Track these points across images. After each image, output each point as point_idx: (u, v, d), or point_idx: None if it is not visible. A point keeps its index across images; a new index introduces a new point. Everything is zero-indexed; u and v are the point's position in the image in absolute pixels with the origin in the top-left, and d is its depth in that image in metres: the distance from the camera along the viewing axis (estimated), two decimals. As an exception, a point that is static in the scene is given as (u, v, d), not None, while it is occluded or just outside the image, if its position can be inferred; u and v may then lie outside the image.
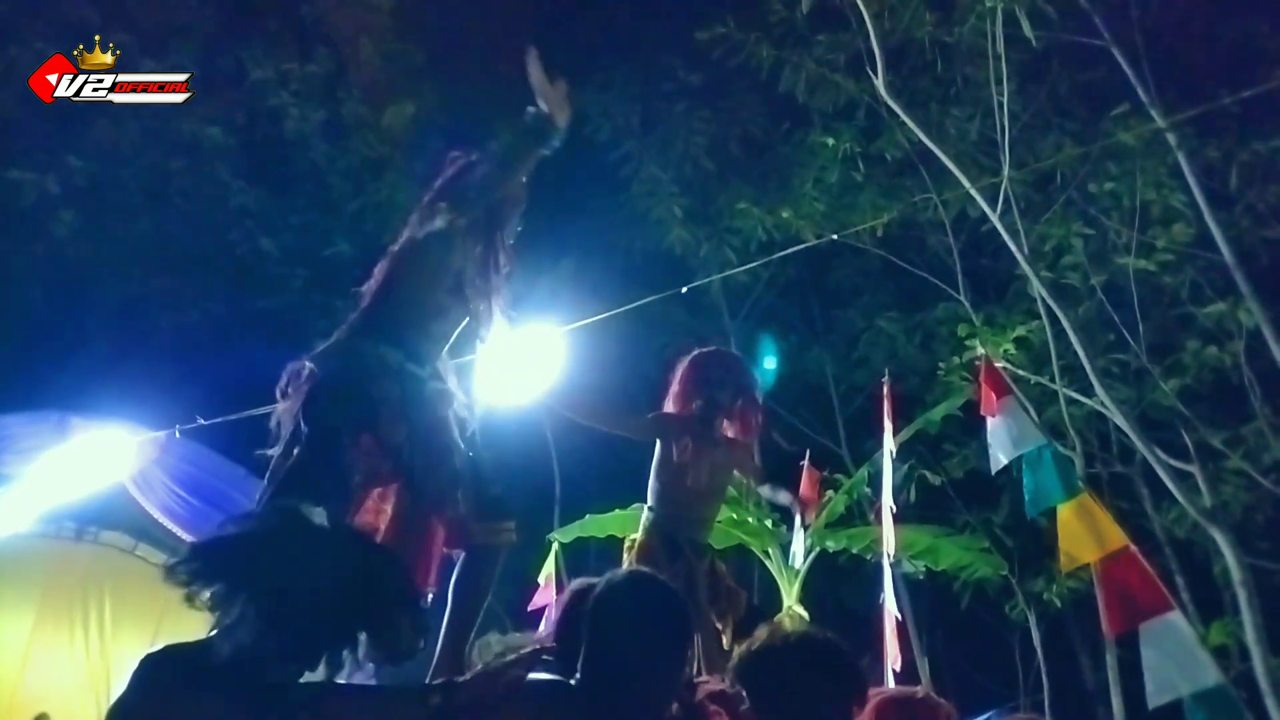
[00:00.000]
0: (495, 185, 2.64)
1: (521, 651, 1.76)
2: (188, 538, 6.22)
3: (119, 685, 1.62)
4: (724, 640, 3.27)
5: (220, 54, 9.41)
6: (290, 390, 2.41)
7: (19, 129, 8.38)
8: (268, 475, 2.34)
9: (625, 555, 3.37)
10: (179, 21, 9.32)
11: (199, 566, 1.58)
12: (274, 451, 2.37)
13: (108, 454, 5.53)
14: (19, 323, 8.41)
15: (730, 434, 3.49)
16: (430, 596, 2.35)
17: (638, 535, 3.37)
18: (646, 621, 1.81)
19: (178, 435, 5.36)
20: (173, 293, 8.89)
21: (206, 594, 1.57)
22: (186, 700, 1.52)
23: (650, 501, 3.42)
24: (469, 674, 1.75)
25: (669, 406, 3.50)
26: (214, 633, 1.56)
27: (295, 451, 2.28)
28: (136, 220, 9.01)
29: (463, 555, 2.43)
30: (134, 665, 1.60)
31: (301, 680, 1.62)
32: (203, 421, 5.06)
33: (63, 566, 6.57)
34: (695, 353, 3.56)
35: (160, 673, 1.56)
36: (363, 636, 1.60)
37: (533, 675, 1.73)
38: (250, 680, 1.52)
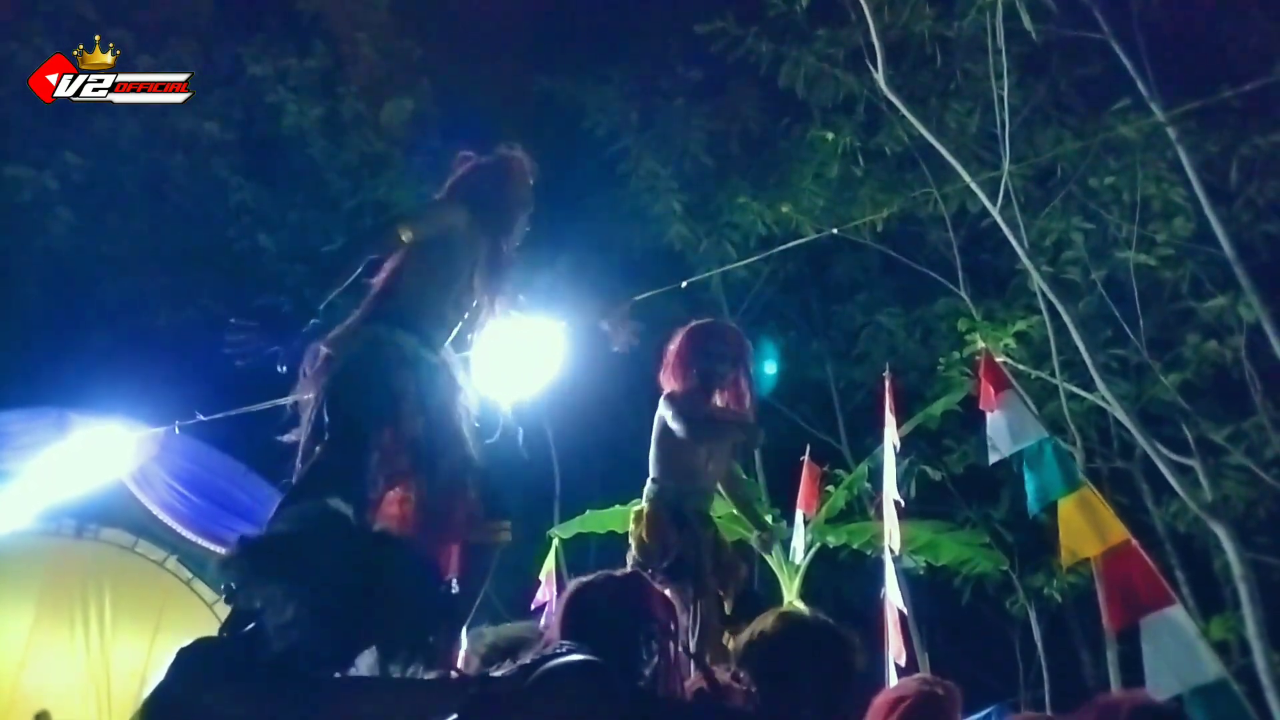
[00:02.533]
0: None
1: (546, 646, 1.76)
2: (187, 534, 6.22)
3: (119, 681, 1.62)
4: (725, 608, 3.30)
5: (218, 50, 9.38)
6: (308, 374, 2.41)
7: (16, 126, 8.36)
8: (299, 461, 2.33)
9: (632, 526, 3.37)
10: (177, 18, 9.29)
11: (253, 564, 1.58)
12: (297, 436, 2.38)
13: (107, 451, 5.53)
14: (17, 320, 8.39)
15: (722, 404, 3.51)
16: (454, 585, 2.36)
17: (643, 506, 3.39)
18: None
19: (177, 432, 5.35)
20: (171, 289, 8.87)
21: (257, 592, 1.57)
22: (226, 693, 1.53)
23: (654, 473, 3.44)
24: (476, 669, 1.74)
25: (665, 377, 3.51)
26: (254, 628, 1.56)
27: (317, 448, 2.28)
28: (134, 217, 8.99)
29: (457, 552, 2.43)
30: (142, 659, 1.60)
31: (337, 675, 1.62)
32: (202, 418, 5.05)
33: (63, 563, 6.57)
34: (691, 325, 3.57)
35: (199, 665, 1.57)
36: (405, 640, 1.61)
37: (565, 659, 1.72)
38: (289, 675, 1.52)
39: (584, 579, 2.10)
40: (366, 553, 1.64)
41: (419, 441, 2.39)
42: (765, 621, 1.96)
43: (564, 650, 1.73)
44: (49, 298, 8.68)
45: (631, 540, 3.33)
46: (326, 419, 2.31)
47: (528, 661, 1.70)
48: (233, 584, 1.60)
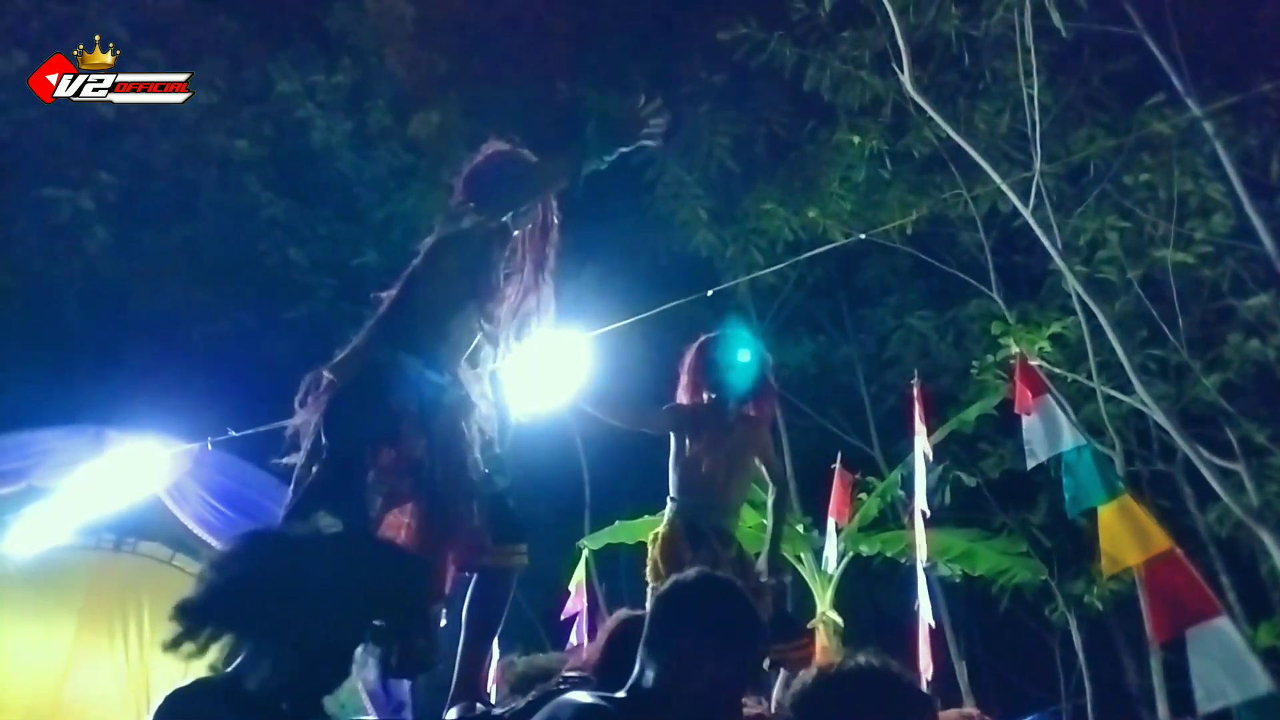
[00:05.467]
0: (532, 194, 2.63)
1: (557, 674, 1.72)
2: (221, 547, 6.27)
3: (159, 692, 1.61)
4: None
5: (247, 67, 9.52)
6: (309, 400, 2.39)
7: (52, 147, 8.53)
8: (291, 488, 2.32)
9: (649, 547, 3.33)
10: (207, 38, 9.45)
11: (191, 624, 1.55)
12: (295, 461, 2.35)
13: (143, 466, 5.60)
14: (55, 338, 8.55)
15: (747, 413, 3.46)
16: (443, 612, 2.32)
17: (661, 527, 3.34)
18: (724, 621, 1.73)
19: (209, 447, 5.41)
20: (204, 304, 9.00)
21: (209, 644, 1.54)
22: None
23: (672, 492, 3.39)
24: (504, 698, 1.72)
25: (680, 396, 3.47)
26: (233, 668, 1.54)
27: (315, 468, 2.27)
28: (168, 233, 9.14)
29: (475, 577, 2.39)
30: (161, 697, 1.58)
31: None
32: (234, 433, 5.10)
33: (102, 577, 6.66)
34: (703, 339, 3.53)
35: (188, 708, 1.54)
36: (375, 637, 1.57)
37: (574, 695, 1.68)
38: (280, 712, 1.49)
39: (633, 614, 2.06)
40: (308, 565, 1.58)
41: (421, 464, 2.34)
42: (822, 668, 1.85)
43: (568, 684, 1.69)
44: (86, 316, 8.83)
45: (647, 564, 3.28)
46: (324, 440, 2.28)
47: (532, 698, 1.66)
48: (184, 641, 1.56)
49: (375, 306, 2.58)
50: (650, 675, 1.69)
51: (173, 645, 1.57)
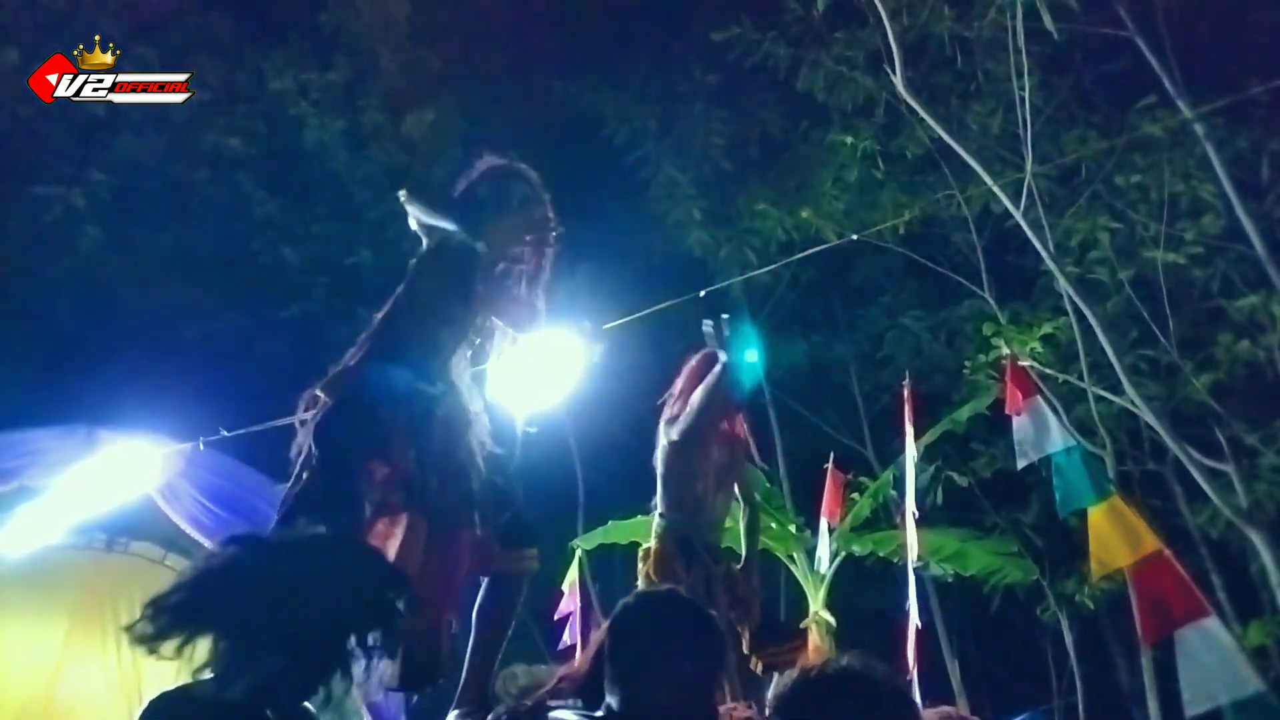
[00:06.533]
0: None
1: (548, 685, 1.74)
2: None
3: (150, 692, 1.62)
4: (742, 646, 3.24)
5: (241, 65, 9.49)
6: (307, 419, 2.40)
7: (43, 144, 8.49)
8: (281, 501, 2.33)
9: (640, 564, 3.34)
10: (201, 35, 9.42)
11: (163, 624, 1.55)
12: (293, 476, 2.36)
13: (135, 466, 5.58)
14: (47, 337, 8.52)
15: (727, 428, 3.48)
16: (453, 623, 2.33)
17: (652, 543, 3.34)
18: (672, 634, 1.75)
19: (201, 447, 5.39)
20: (197, 303, 8.97)
21: (174, 646, 1.54)
22: None
23: (661, 508, 3.39)
24: (497, 709, 1.73)
25: (675, 406, 3.47)
26: (217, 673, 1.54)
27: (304, 476, 2.28)
28: (160, 232, 9.11)
29: (485, 582, 2.40)
30: (173, 670, 1.58)
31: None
32: (226, 433, 5.09)
33: (94, 577, 6.64)
34: (702, 354, 3.54)
35: (172, 713, 1.54)
36: (354, 641, 1.57)
37: (558, 714, 1.70)
38: (264, 718, 1.50)
39: None
40: (280, 565, 1.58)
41: (413, 476, 2.35)
42: (804, 669, 1.86)
43: (547, 696, 1.71)
44: (78, 315, 8.80)
45: (639, 580, 3.29)
46: (314, 452, 2.29)
47: (512, 707, 1.67)
48: (149, 646, 1.55)
49: (369, 324, 2.60)
50: (619, 696, 1.73)
51: (139, 641, 1.55)
